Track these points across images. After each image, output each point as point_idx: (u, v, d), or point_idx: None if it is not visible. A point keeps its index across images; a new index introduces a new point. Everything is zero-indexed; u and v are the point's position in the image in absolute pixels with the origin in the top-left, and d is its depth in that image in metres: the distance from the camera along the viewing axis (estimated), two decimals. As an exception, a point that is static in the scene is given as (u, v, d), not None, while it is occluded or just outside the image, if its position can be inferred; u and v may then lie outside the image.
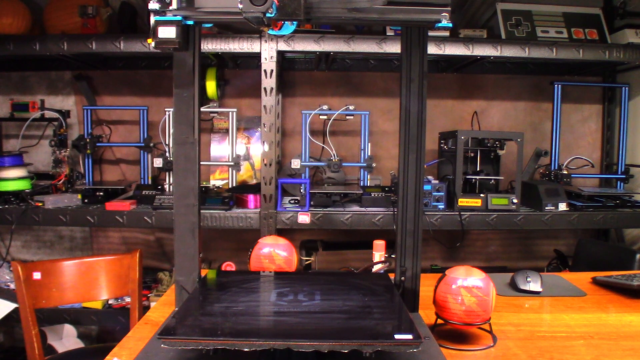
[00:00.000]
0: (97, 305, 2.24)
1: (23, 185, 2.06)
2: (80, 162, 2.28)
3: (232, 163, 2.20)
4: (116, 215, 1.98)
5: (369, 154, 2.21)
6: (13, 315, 1.90)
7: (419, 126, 1.00)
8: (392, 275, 1.07)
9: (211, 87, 2.35)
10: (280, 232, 2.01)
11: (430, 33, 1.01)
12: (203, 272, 1.07)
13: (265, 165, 2.00)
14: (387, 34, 2.10)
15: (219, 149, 2.49)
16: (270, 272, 1.15)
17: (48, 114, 2.26)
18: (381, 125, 2.55)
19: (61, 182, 2.20)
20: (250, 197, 2.07)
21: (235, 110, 2.21)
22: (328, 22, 1.99)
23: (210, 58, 2.31)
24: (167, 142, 2.16)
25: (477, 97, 2.60)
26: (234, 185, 2.23)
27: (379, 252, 1.42)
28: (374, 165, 2.20)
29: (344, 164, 2.15)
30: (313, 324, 0.79)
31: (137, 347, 0.84)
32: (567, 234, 2.64)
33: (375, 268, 1.34)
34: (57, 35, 2.02)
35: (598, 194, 2.21)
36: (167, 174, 2.18)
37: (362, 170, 2.23)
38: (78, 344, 2.42)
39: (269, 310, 0.87)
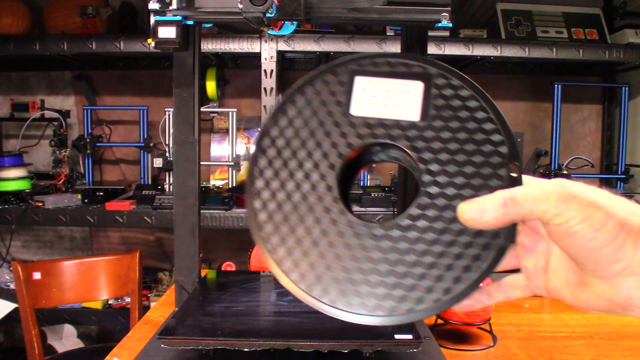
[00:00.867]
0: (97, 305, 2.24)
1: (23, 185, 2.06)
2: (80, 162, 2.28)
3: (232, 163, 2.20)
4: (116, 215, 1.98)
5: (369, 154, 2.20)
6: (13, 315, 1.90)
7: (419, 126, 1.00)
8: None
9: (211, 87, 2.35)
10: (280, 232, 2.01)
11: (430, 33, 1.01)
12: (203, 272, 1.07)
13: (265, 165, 2.00)
14: (387, 34, 2.10)
15: (219, 149, 2.49)
16: (270, 272, 1.15)
17: (48, 114, 2.26)
18: (381, 125, 2.55)
19: (61, 182, 2.20)
20: (250, 197, 2.06)
21: (235, 110, 2.21)
22: (328, 22, 1.99)
23: (210, 58, 2.31)
24: (167, 142, 2.16)
25: (477, 97, 2.59)
26: (234, 185, 2.23)
27: (379, 252, 1.42)
28: (373, 165, 2.20)
29: (344, 164, 2.15)
30: (313, 324, 0.79)
31: (137, 347, 0.84)
32: (567, 234, 2.64)
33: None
34: (57, 35, 2.02)
35: (598, 194, 2.21)
36: (167, 174, 2.18)
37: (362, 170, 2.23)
38: (78, 344, 2.43)
39: (269, 310, 0.87)
